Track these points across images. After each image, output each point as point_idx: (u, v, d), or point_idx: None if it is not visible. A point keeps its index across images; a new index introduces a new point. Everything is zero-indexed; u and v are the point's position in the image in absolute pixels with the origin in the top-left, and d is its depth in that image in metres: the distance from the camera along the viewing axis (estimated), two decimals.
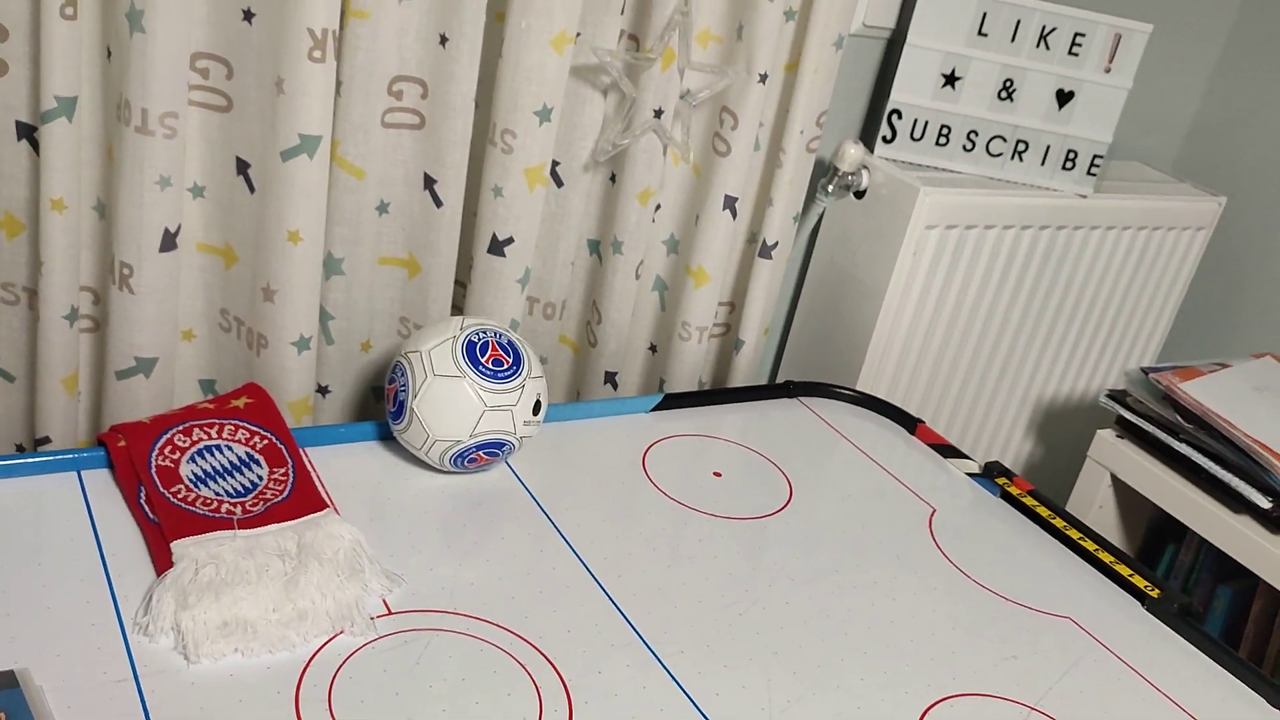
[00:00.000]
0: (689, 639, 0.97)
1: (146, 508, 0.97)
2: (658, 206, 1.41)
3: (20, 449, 1.22)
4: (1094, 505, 1.59)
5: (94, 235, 1.16)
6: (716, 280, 1.42)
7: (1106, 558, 1.19)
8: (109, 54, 1.07)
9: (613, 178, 1.36)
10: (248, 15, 1.09)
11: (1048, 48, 1.55)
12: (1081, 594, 1.14)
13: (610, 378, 1.45)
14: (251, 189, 1.16)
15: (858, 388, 1.55)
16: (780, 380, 1.63)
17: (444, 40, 1.16)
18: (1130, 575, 1.17)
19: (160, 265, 1.12)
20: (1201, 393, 1.47)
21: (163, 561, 0.91)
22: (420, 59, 1.18)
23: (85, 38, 1.06)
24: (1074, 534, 1.22)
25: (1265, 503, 1.37)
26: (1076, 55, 1.57)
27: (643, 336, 1.50)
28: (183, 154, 1.10)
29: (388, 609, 0.93)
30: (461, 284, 1.34)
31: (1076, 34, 1.56)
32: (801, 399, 1.42)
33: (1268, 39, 1.85)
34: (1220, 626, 1.60)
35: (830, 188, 1.55)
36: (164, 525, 0.94)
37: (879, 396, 1.46)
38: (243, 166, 1.16)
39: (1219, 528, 1.42)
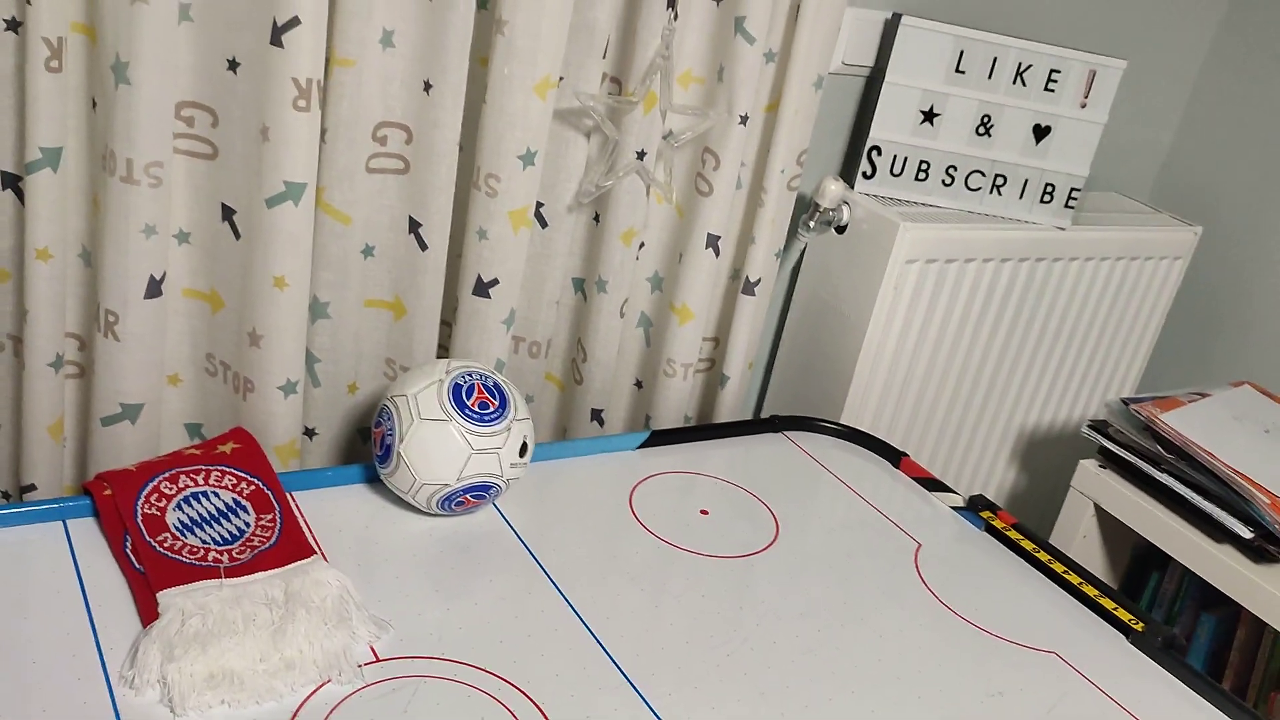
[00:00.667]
0: (676, 680, 0.97)
1: (132, 557, 0.97)
2: (642, 245, 1.42)
3: (5, 496, 1.22)
4: (1078, 535, 1.60)
5: (79, 283, 1.16)
6: (700, 317, 1.44)
7: (1091, 591, 1.20)
8: (94, 105, 1.08)
9: (596, 218, 1.38)
10: (233, 65, 1.10)
11: (1024, 84, 1.58)
12: (1066, 628, 1.15)
13: (596, 415, 1.46)
14: (237, 235, 1.17)
15: (842, 421, 1.56)
16: (765, 414, 1.64)
17: (428, 86, 1.17)
18: (1114, 609, 1.18)
19: (146, 312, 1.13)
20: (1182, 423, 1.49)
21: (149, 612, 0.91)
22: (405, 105, 1.19)
23: (71, 89, 1.06)
24: (1058, 567, 1.23)
25: (1246, 532, 1.39)
26: (1052, 91, 1.59)
27: (628, 373, 1.51)
28: (168, 202, 1.11)
29: (375, 656, 0.94)
30: (447, 325, 1.35)
31: (1052, 70, 1.58)
32: (786, 433, 1.43)
33: (1239, 72, 1.88)
34: (1204, 655, 1.61)
35: (812, 223, 1.57)
36: (150, 575, 0.94)
37: (863, 430, 1.47)
38: (228, 213, 1.17)
39: (1201, 557, 1.43)
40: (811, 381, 1.65)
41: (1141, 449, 1.51)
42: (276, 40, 1.05)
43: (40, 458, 1.15)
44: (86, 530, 1.01)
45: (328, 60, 1.12)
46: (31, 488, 1.17)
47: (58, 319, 1.11)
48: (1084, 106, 1.61)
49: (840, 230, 1.58)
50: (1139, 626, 1.15)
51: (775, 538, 1.21)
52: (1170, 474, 1.47)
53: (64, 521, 1.02)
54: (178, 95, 1.11)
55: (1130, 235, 1.75)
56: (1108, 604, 1.18)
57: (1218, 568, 1.41)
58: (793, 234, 1.59)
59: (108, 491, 1.02)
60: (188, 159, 1.15)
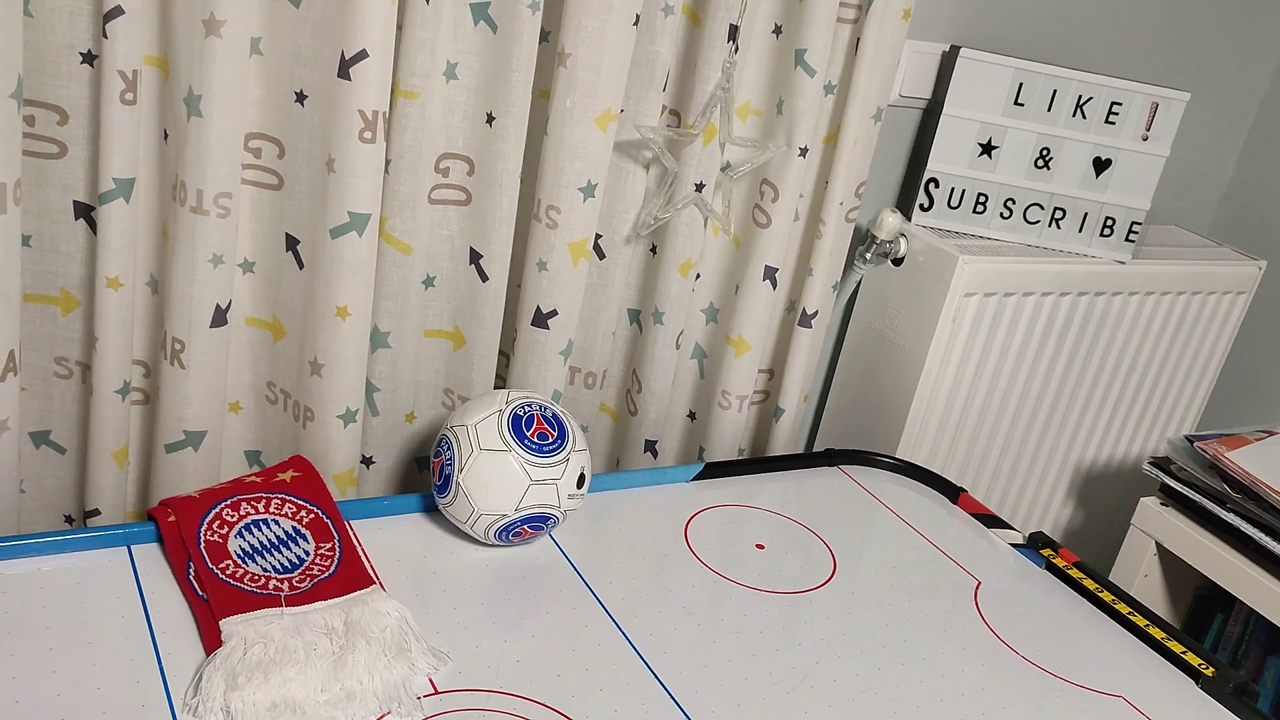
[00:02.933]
0: (736, 717, 0.96)
1: (195, 583, 0.98)
2: (698, 276, 1.42)
3: (70, 520, 1.24)
4: (1139, 574, 1.57)
5: (147, 311, 1.18)
6: (756, 349, 1.43)
7: (1158, 634, 1.17)
8: (166, 136, 1.10)
9: (654, 249, 1.38)
10: (300, 98, 1.12)
11: (1084, 116, 1.56)
12: (1133, 671, 1.12)
13: (650, 446, 1.45)
14: (300, 265, 1.18)
15: (898, 455, 1.54)
16: (818, 447, 1.63)
17: (490, 119, 1.18)
18: (1183, 652, 1.15)
19: (211, 340, 1.14)
20: (1249, 462, 1.45)
21: (211, 639, 0.92)
22: (467, 137, 1.20)
23: (143, 121, 1.09)
24: (1123, 608, 1.21)
25: None
26: (1113, 124, 1.57)
27: (682, 405, 1.50)
28: (235, 232, 1.12)
29: (434, 688, 0.93)
30: (505, 355, 1.35)
31: (1113, 103, 1.56)
32: (842, 467, 1.42)
33: None
34: (1271, 700, 1.56)
35: (868, 255, 1.56)
36: (213, 602, 0.95)
37: (919, 464, 1.45)
38: (292, 243, 1.18)
39: (1268, 598, 1.40)
40: (866, 415, 1.63)
41: (1206, 487, 1.47)
42: (344, 73, 1.06)
43: (105, 483, 1.17)
44: (151, 556, 1.02)
45: (393, 92, 1.13)
46: (95, 513, 1.18)
47: (125, 346, 1.13)
48: (1145, 139, 1.59)
49: (897, 263, 1.57)
50: (1209, 671, 1.12)
51: (833, 574, 1.20)
52: (1236, 513, 1.44)
53: (129, 547, 1.03)
54: (247, 127, 1.12)
55: (1192, 269, 1.72)
56: (1176, 647, 1.15)
57: None
58: (849, 266, 1.58)
59: (172, 518, 1.03)
60: (254, 189, 1.17)
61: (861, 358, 1.64)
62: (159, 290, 1.16)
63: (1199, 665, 1.13)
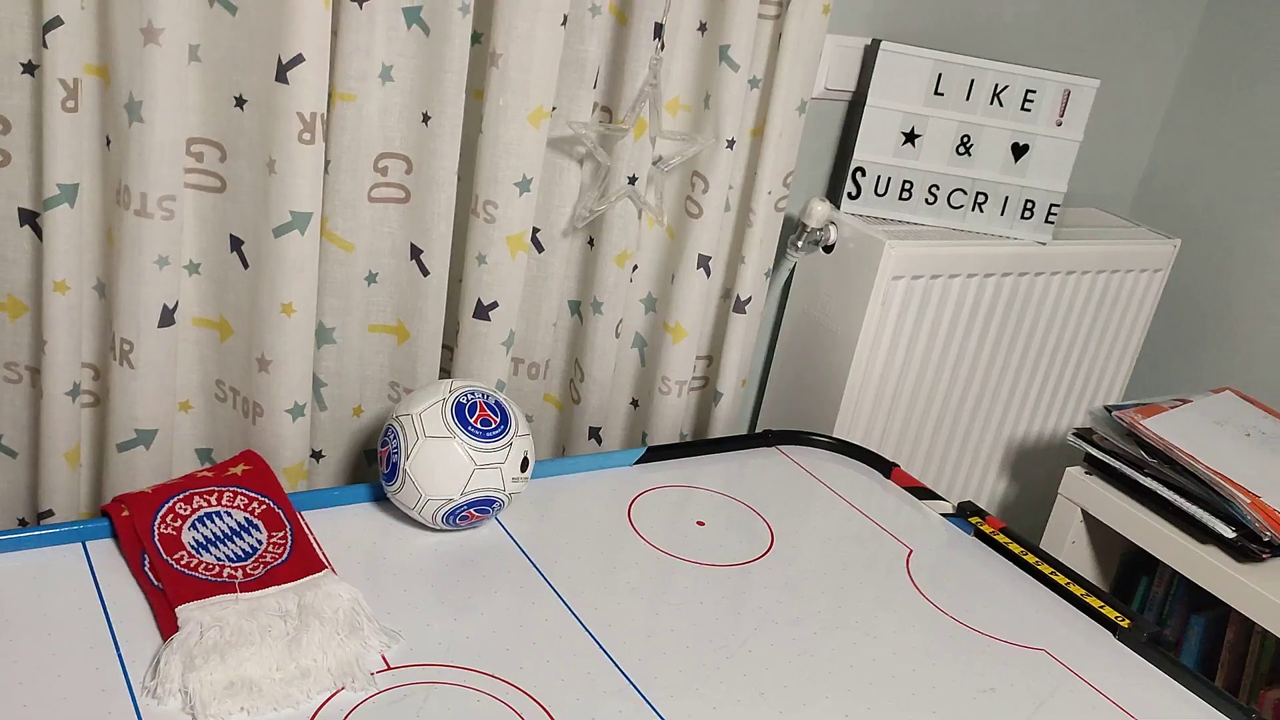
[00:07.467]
0: (678, 683, 1.01)
1: (151, 575, 1.01)
2: (635, 267, 1.47)
3: (23, 523, 1.26)
4: (1067, 541, 1.64)
5: (95, 314, 1.20)
6: (694, 335, 1.48)
7: (1078, 590, 1.24)
8: (108, 142, 1.13)
9: (591, 241, 1.42)
10: (239, 102, 1.15)
11: (1001, 104, 1.63)
12: (1055, 626, 1.19)
13: (594, 433, 1.50)
14: (245, 264, 1.21)
15: (834, 434, 1.60)
16: (760, 429, 1.68)
17: (426, 119, 1.22)
18: (1101, 606, 1.21)
19: (159, 340, 1.17)
20: (1164, 428, 1.53)
21: (168, 626, 0.95)
22: (404, 137, 1.24)
23: (86, 128, 1.11)
24: (1046, 569, 1.27)
25: (1229, 532, 1.43)
26: (1029, 111, 1.65)
27: (624, 392, 1.55)
28: (180, 234, 1.15)
29: (387, 664, 0.97)
30: (449, 348, 1.39)
31: (1028, 91, 1.63)
32: (780, 447, 1.47)
33: (1213, 88, 1.94)
34: (1196, 656, 1.64)
35: (800, 243, 1.61)
36: (168, 591, 0.98)
37: (855, 442, 1.50)
38: (236, 243, 1.21)
39: (1187, 558, 1.47)
40: (804, 397, 1.69)
41: (1126, 454, 1.55)
42: (281, 77, 1.10)
43: (57, 484, 1.19)
44: (106, 551, 1.05)
45: (330, 95, 1.16)
46: (49, 514, 1.21)
47: (74, 349, 1.15)
48: (1060, 125, 1.67)
49: (828, 249, 1.63)
50: (1125, 623, 1.19)
51: (770, 547, 1.25)
52: (1154, 478, 1.51)
53: (84, 543, 1.05)
54: (188, 132, 1.15)
55: (1110, 249, 1.80)
56: (1094, 602, 1.22)
57: (1203, 568, 1.45)
58: (782, 254, 1.64)
59: (125, 513, 1.06)
60: (197, 192, 1.20)
61: (798, 342, 1.70)
62: (106, 293, 1.19)
63: (1115, 618, 1.20)
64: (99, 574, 1.02)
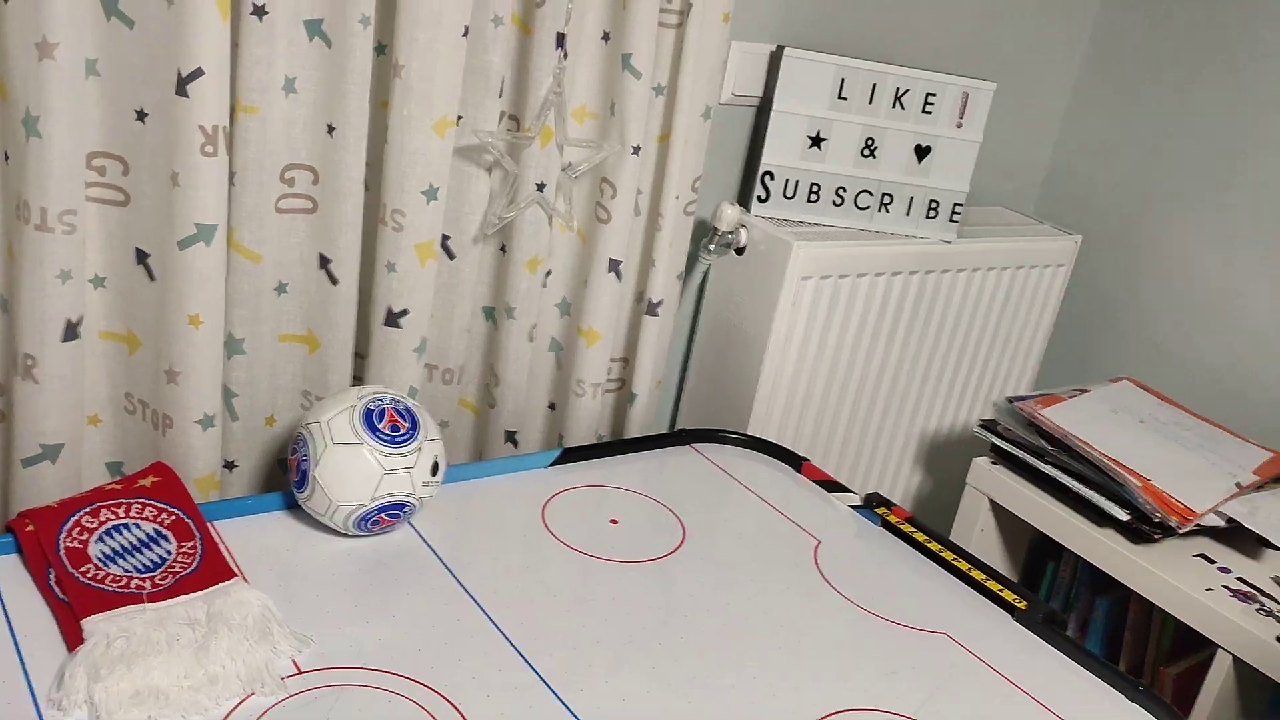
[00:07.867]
0: (589, 677, 1.03)
1: (57, 589, 1.01)
2: (548, 272, 1.49)
3: None
4: (976, 529, 1.69)
5: None
6: (607, 339, 1.51)
7: (978, 575, 1.28)
8: (6, 157, 1.12)
9: (503, 247, 1.44)
10: (141, 115, 1.15)
11: (903, 108, 1.68)
12: (956, 610, 1.23)
13: (510, 436, 1.52)
14: (151, 277, 1.21)
15: (748, 432, 1.64)
16: (678, 429, 1.71)
17: (331, 130, 1.23)
18: (1000, 590, 1.26)
19: (63, 354, 1.17)
20: (1062, 417, 1.59)
21: (74, 639, 0.95)
22: (310, 148, 1.25)
23: None
24: (948, 555, 1.32)
25: (1123, 515, 1.48)
26: (930, 113, 1.70)
27: (541, 395, 1.57)
28: (82, 248, 1.15)
29: (297, 669, 0.98)
30: (361, 356, 1.40)
31: (928, 94, 1.69)
32: (694, 445, 1.50)
33: (1109, 89, 2.01)
34: (1100, 637, 1.70)
35: (712, 246, 1.65)
36: (74, 604, 0.98)
37: (767, 439, 1.54)
38: (142, 256, 1.21)
39: (1087, 542, 1.53)
40: (720, 396, 1.73)
41: (1027, 444, 1.60)
42: (182, 91, 1.10)
43: None
44: (10, 566, 1.04)
45: (233, 108, 1.17)
46: None
47: None
48: (960, 126, 1.72)
49: (739, 252, 1.66)
50: (1022, 605, 1.23)
51: (682, 541, 1.28)
52: (1054, 465, 1.57)
53: None
54: (88, 146, 1.15)
55: (1014, 245, 1.86)
56: (994, 586, 1.27)
57: (1102, 551, 1.51)
58: (695, 257, 1.67)
59: (30, 528, 1.06)
60: (100, 206, 1.20)
61: (713, 343, 1.73)
62: (8, 308, 1.18)
63: (1013, 600, 1.24)
64: (3, 589, 1.01)
